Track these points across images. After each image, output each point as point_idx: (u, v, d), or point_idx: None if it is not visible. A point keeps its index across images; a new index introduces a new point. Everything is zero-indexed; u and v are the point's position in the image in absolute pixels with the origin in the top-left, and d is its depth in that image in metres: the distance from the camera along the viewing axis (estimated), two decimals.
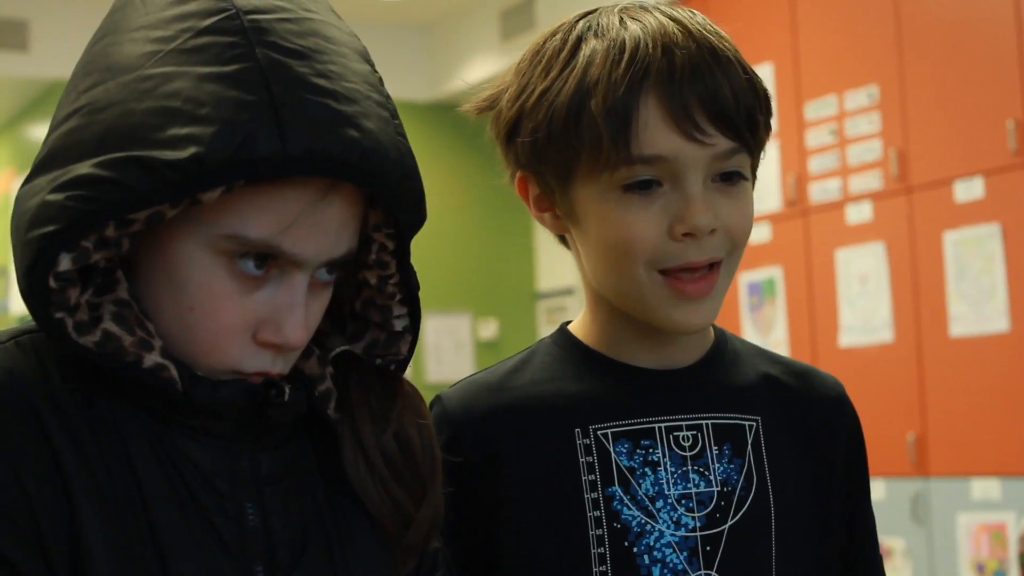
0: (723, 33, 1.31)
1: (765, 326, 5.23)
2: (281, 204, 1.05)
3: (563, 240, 1.40)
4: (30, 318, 1.09)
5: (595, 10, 1.33)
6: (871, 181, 4.85)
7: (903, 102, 4.73)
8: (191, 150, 1.00)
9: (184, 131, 1.00)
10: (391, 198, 1.10)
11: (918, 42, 4.69)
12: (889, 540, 4.68)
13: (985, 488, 4.43)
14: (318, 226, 1.07)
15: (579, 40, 1.30)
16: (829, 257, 4.98)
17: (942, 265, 4.56)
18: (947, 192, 4.56)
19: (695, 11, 1.32)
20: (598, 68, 1.26)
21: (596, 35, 1.29)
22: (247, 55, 1.03)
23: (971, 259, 4.47)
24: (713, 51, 1.27)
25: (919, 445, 4.63)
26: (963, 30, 4.55)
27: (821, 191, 5.04)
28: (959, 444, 4.52)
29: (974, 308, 4.46)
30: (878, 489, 4.70)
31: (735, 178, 1.29)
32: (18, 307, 7.89)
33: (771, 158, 5.23)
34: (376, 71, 1.13)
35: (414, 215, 1.14)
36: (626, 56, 1.26)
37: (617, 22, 1.30)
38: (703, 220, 1.25)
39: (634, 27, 1.28)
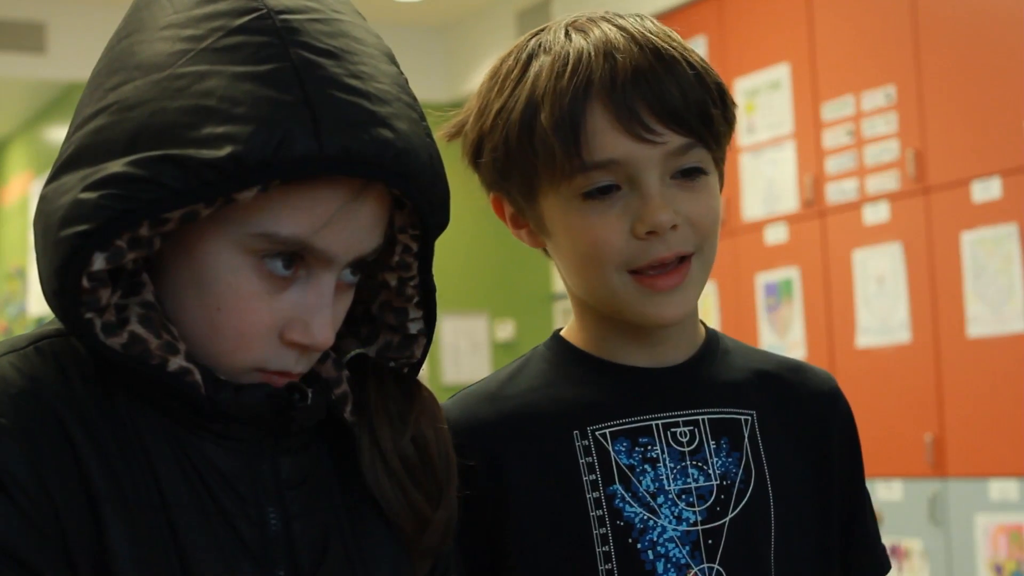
0: (673, 34, 1.33)
1: (782, 327, 5.22)
2: (314, 203, 1.05)
3: (547, 253, 1.42)
4: (50, 320, 1.09)
5: (545, 27, 1.36)
6: (888, 181, 4.84)
7: (920, 102, 4.72)
8: (228, 149, 1.00)
9: (220, 130, 1.00)
10: (420, 200, 1.10)
11: (935, 42, 4.68)
12: (907, 541, 4.67)
13: (1003, 489, 4.41)
14: (350, 226, 1.07)
15: (529, 58, 1.33)
16: (846, 258, 4.97)
17: (959, 265, 4.55)
18: (964, 192, 4.55)
19: (646, 16, 1.35)
20: (544, 81, 1.30)
21: (545, 51, 1.32)
22: (281, 55, 1.03)
23: (988, 259, 4.46)
24: (657, 52, 1.29)
25: (937, 446, 4.62)
26: (980, 30, 4.54)
27: (838, 192, 5.03)
28: (977, 445, 4.51)
29: (992, 308, 4.45)
30: (895, 490, 4.69)
31: (694, 174, 1.30)
32: (36, 309, 7.91)
33: (788, 159, 5.23)
34: (402, 73, 1.13)
35: (440, 217, 1.14)
36: (569, 67, 1.29)
37: (563, 36, 1.32)
38: (662, 217, 1.27)
39: (578, 39, 1.31)
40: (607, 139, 1.27)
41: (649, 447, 1.34)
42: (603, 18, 1.33)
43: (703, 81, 1.30)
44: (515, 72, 1.33)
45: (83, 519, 1.03)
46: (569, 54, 1.29)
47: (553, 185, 1.30)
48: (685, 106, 1.28)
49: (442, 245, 1.18)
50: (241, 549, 1.09)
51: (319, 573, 1.12)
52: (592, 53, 1.28)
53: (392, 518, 1.18)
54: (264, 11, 1.05)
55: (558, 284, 7.93)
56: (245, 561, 1.09)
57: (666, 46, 1.30)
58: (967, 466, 4.54)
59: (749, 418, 1.38)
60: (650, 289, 1.29)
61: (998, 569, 4.40)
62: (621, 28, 1.31)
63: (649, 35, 1.30)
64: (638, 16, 1.34)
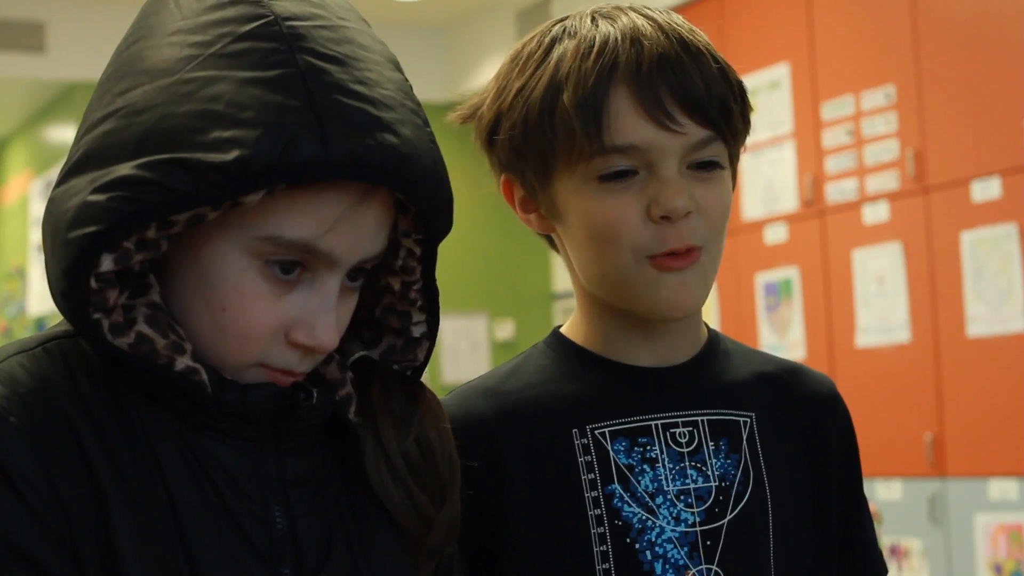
0: (696, 29, 1.33)
1: (782, 327, 5.22)
2: (320, 207, 1.06)
3: (551, 243, 1.41)
4: (48, 320, 1.10)
5: (568, 16, 1.36)
6: (888, 181, 4.84)
7: (920, 102, 4.73)
8: (235, 153, 1.01)
9: (227, 134, 1.02)
10: (424, 204, 1.11)
11: (935, 42, 4.68)
12: (906, 541, 4.67)
13: (1003, 489, 4.42)
14: (355, 229, 1.08)
15: (553, 41, 1.33)
16: (846, 257, 4.98)
17: (959, 265, 4.56)
18: (964, 192, 4.56)
19: (671, 12, 1.35)
20: (568, 62, 1.30)
21: (569, 35, 1.33)
22: (288, 60, 1.04)
23: (988, 259, 4.46)
24: (683, 42, 1.30)
25: (936, 445, 4.63)
26: (980, 30, 4.54)
27: (838, 191, 5.03)
28: (976, 444, 4.51)
29: (991, 308, 4.45)
30: (895, 490, 4.70)
31: (711, 167, 1.31)
32: (35, 308, 7.90)
33: (788, 158, 5.23)
34: (407, 79, 1.15)
35: (444, 221, 1.15)
36: (595, 50, 1.29)
37: (589, 22, 1.33)
38: (678, 202, 1.27)
39: (605, 25, 1.31)
40: (629, 123, 1.27)
41: (648, 447, 1.33)
42: (630, 7, 1.34)
43: (726, 76, 1.31)
44: (537, 54, 1.33)
45: (91, 518, 1.04)
46: (595, 38, 1.30)
47: (569, 167, 1.29)
48: (708, 98, 1.28)
49: (442, 245, 1.19)
50: (247, 547, 1.10)
51: (324, 571, 1.13)
52: (619, 38, 1.29)
53: (396, 518, 1.19)
54: (271, 17, 1.07)
55: (558, 284, 7.94)
56: (251, 559, 1.10)
57: (692, 38, 1.31)
58: (967, 466, 4.54)
59: (748, 420, 1.37)
60: (664, 268, 1.29)
61: (998, 569, 4.40)
62: (648, 17, 1.31)
63: (676, 26, 1.31)
64: (666, 11, 1.34)
